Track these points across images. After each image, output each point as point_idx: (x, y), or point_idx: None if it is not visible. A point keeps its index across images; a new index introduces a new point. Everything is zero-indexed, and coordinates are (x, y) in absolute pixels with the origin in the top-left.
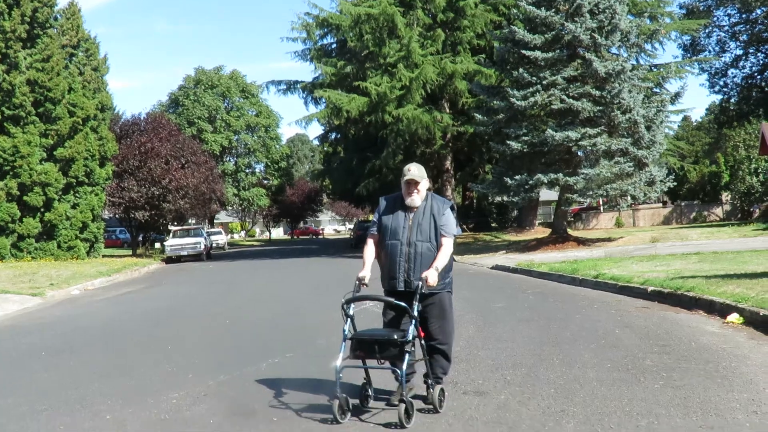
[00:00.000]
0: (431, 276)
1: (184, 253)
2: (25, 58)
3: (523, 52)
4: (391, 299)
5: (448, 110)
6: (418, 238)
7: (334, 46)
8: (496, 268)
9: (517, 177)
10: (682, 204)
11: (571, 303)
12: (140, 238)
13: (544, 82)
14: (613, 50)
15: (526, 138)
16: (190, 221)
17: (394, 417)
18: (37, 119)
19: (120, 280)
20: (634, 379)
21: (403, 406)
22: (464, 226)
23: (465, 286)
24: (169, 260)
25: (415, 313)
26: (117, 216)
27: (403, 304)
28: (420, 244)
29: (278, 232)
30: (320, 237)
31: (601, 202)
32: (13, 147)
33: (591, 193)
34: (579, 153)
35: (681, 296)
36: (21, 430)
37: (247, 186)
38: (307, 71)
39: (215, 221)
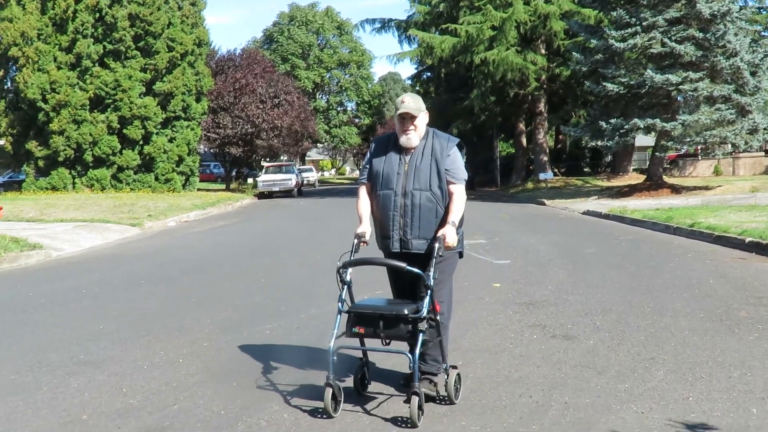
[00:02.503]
0: (450, 234)
1: (276, 188)
2: None
3: None
4: (402, 264)
5: (543, 51)
6: (416, 187)
7: None
8: (588, 213)
9: (612, 121)
10: None
11: (664, 251)
12: (233, 173)
13: (644, 23)
14: None
15: (623, 80)
16: (282, 158)
17: (400, 408)
18: (137, 53)
19: (214, 214)
20: (727, 330)
21: (416, 399)
22: (556, 170)
23: (555, 231)
24: (261, 195)
25: (431, 282)
26: (211, 151)
27: (417, 270)
28: (418, 193)
29: None
30: None
31: (699, 149)
32: (114, 81)
33: (689, 139)
34: (678, 98)
35: None
36: (124, 354)
37: (338, 124)
38: (399, 9)
39: (306, 158)
